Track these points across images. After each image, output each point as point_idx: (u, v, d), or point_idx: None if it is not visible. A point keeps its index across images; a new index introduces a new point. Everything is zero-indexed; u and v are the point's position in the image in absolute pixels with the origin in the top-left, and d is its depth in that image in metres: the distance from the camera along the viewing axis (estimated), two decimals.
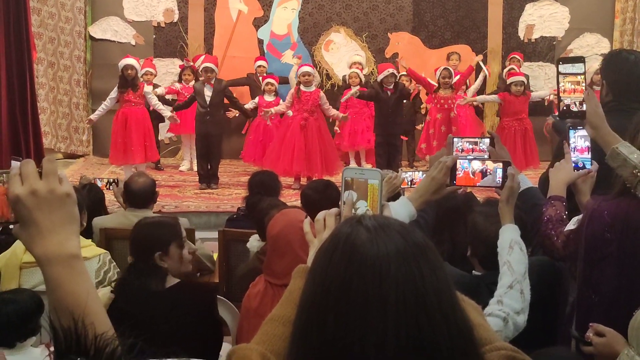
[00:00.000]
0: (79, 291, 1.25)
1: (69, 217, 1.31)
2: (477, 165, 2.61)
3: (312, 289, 1.18)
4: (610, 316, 2.64)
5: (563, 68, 2.85)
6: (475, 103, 11.18)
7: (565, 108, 2.82)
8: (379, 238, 1.17)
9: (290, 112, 10.08)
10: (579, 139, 2.94)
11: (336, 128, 11.25)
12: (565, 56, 4.11)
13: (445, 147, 3.13)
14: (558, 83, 2.85)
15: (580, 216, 2.83)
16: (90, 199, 5.09)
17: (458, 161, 2.59)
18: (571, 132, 2.95)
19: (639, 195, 2.50)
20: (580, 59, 2.89)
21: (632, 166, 2.51)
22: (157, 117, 10.52)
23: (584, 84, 2.84)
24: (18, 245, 3.98)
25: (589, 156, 2.97)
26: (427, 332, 1.11)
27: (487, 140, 3.14)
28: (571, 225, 2.85)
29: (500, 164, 2.60)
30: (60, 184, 1.31)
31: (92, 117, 10.19)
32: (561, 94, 2.83)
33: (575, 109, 2.79)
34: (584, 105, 2.78)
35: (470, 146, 3.14)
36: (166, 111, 10.03)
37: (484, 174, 2.59)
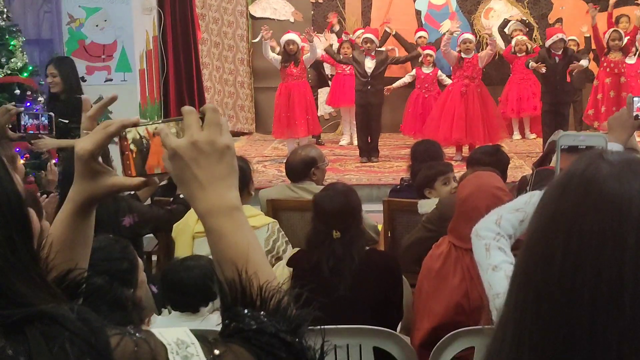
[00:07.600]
0: (241, 242, 1.23)
1: (229, 169, 1.26)
2: None
3: (538, 224, 1.08)
4: None
5: None
6: None
7: None
8: (623, 174, 1.04)
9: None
10: None
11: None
12: None
13: (626, 107, 2.94)
14: None
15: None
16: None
17: None
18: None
19: None
20: None
21: None
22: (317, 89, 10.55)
23: None
24: (190, 215, 4.08)
25: None
26: None
27: None
28: None
29: None
30: (220, 135, 1.26)
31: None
32: None
33: None
34: None
35: None
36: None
37: None
